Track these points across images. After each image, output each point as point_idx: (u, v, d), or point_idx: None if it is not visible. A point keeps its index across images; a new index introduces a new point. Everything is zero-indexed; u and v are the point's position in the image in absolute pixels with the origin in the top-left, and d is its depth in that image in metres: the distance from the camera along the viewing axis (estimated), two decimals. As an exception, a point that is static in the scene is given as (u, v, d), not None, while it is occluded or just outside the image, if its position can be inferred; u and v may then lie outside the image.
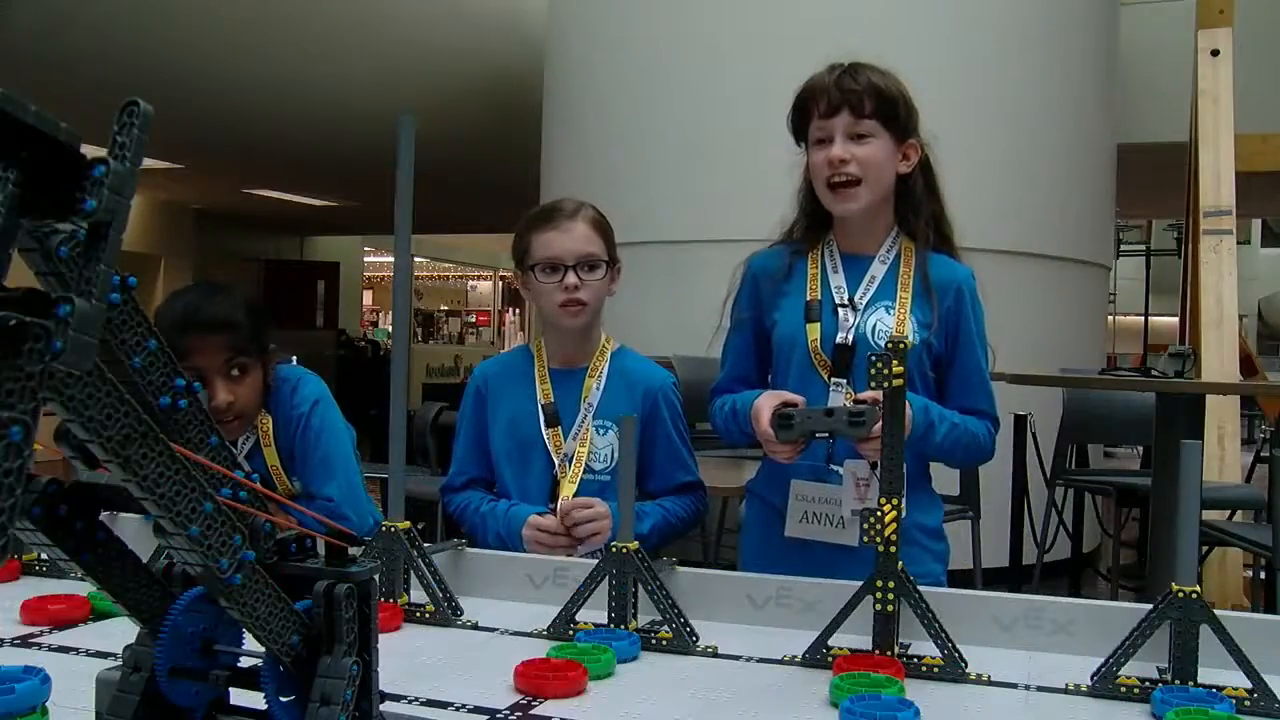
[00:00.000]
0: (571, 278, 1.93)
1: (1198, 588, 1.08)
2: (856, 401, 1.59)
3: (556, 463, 1.94)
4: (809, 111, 1.75)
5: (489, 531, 1.94)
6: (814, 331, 1.75)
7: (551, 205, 2.03)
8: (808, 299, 1.78)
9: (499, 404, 2.02)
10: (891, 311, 1.74)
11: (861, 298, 1.76)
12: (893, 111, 1.72)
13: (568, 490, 1.92)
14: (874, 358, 1.20)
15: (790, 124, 1.81)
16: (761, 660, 1.20)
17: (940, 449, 1.72)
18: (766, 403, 1.60)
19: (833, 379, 1.73)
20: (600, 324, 2.05)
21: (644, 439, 1.98)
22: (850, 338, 1.73)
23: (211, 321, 1.94)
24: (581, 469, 1.94)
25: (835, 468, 1.73)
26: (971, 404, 1.78)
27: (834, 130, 1.72)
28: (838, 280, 1.78)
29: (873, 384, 1.21)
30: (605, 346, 2.04)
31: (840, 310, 1.75)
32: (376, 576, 0.85)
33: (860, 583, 1.20)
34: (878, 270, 1.78)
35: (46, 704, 0.90)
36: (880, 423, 1.46)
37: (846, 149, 1.71)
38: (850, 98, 1.71)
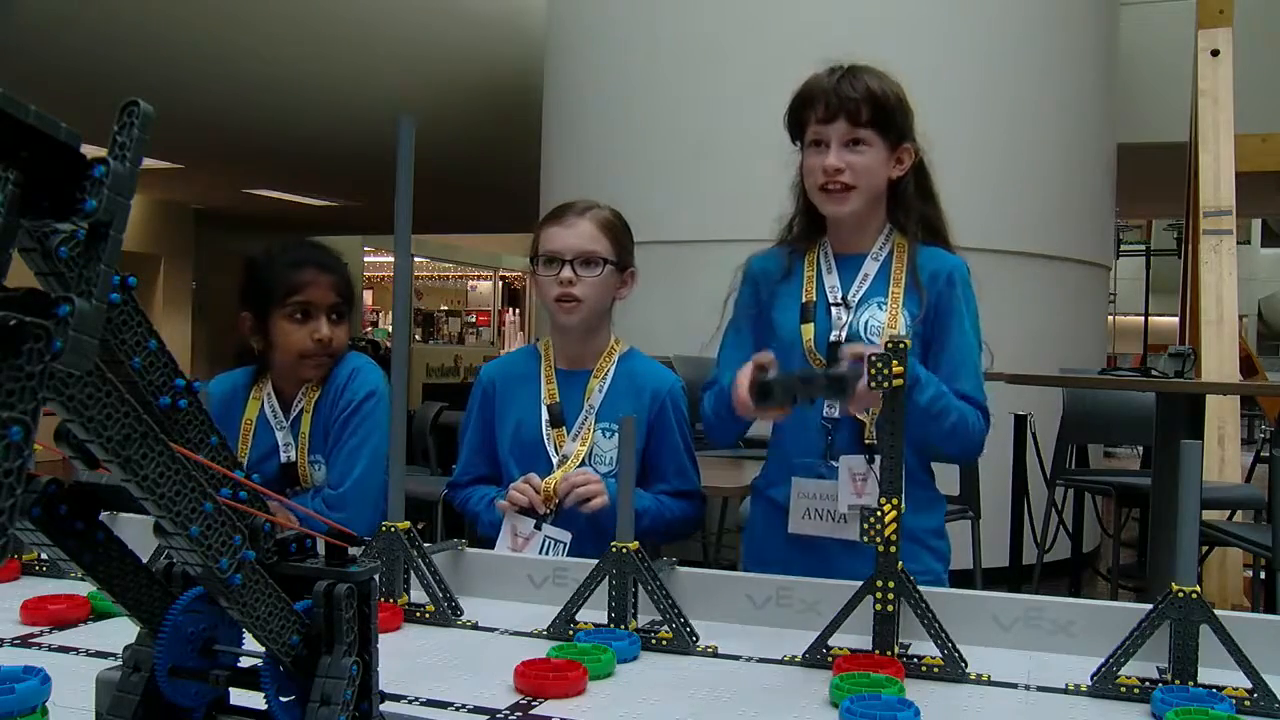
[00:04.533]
0: (567, 272, 1.94)
1: (1198, 588, 1.08)
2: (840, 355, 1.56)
3: (555, 463, 1.94)
4: (806, 114, 1.76)
5: (484, 503, 1.97)
6: (808, 332, 1.76)
7: (567, 203, 2.04)
8: (803, 301, 1.79)
9: (506, 405, 2.03)
10: (884, 307, 1.75)
11: (854, 295, 1.77)
12: (889, 119, 1.73)
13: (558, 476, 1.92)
14: (874, 357, 1.20)
15: (787, 123, 1.81)
16: (761, 660, 1.20)
17: (926, 412, 1.65)
18: (746, 370, 1.59)
19: None
20: (609, 326, 2.05)
21: (648, 442, 1.97)
22: (843, 336, 1.74)
23: (328, 263, 2.17)
24: (577, 466, 1.93)
25: (835, 464, 1.73)
26: (959, 388, 1.73)
27: (830, 136, 1.73)
28: (831, 280, 1.79)
29: (872, 384, 1.20)
30: (613, 348, 2.03)
31: (834, 309, 1.77)
32: (376, 576, 0.85)
33: (860, 582, 1.20)
34: (870, 268, 1.79)
35: (46, 704, 0.90)
36: (863, 380, 1.45)
37: (841, 157, 1.72)
38: (848, 105, 1.71)
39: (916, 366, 1.66)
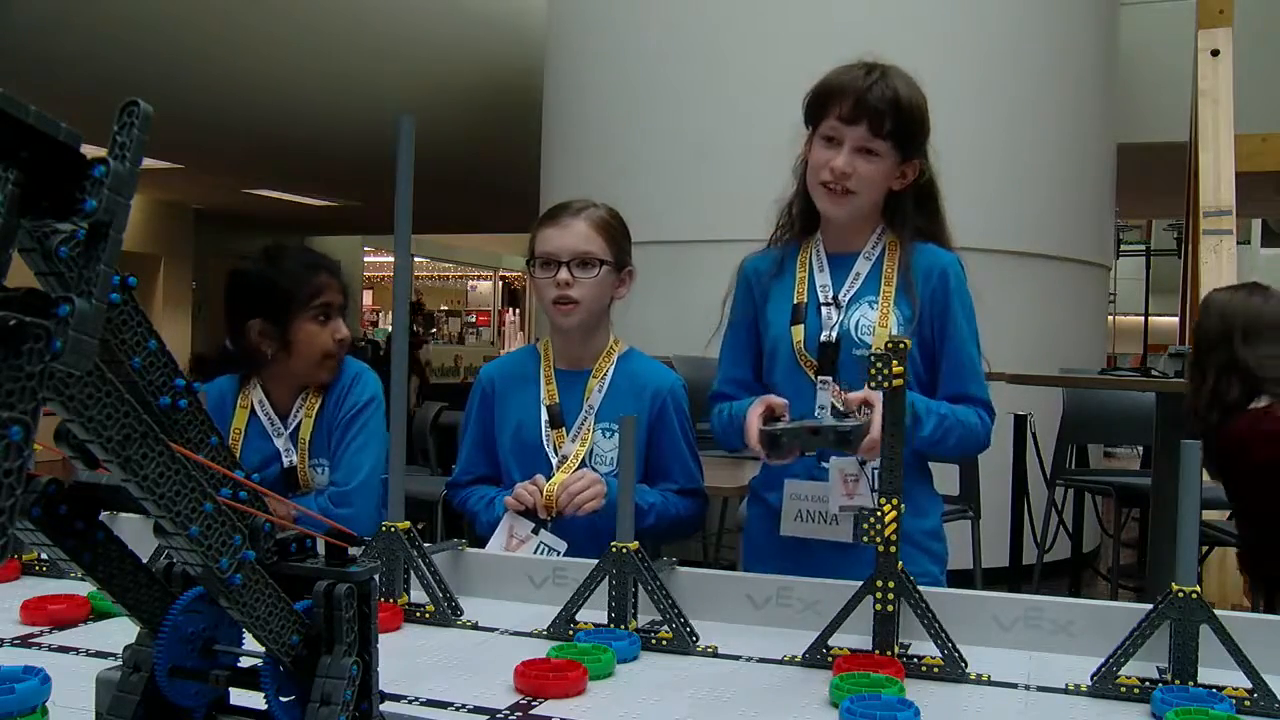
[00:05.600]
0: (563, 274, 1.93)
1: (1198, 588, 1.08)
2: (845, 404, 1.59)
3: (554, 463, 1.94)
4: (829, 107, 1.73)
5: (483, 502, 1.97)
6: (798, 333, 1.76)
7: (563, 203, 2.03)
8: (794, 302, 1.78)
9: (505, 406, 2.02)
10: (875, 306, 1.74)
11: (845, 294, 1.76)
12: (907, 133, 1.71)
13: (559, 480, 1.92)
14: (873, 357, 1.20)
15: (805, 106, 1.78)
16: (761, 660, 1.20)
17: (929, 441, 1.70)
18: (754, 416, 1.60)
19: (819, 377, 1.73)
20: (609, 326, 2.04)
21: (650, 441, 1.97)
22: (834, 335, 1.73)
23: (332, 266, 2.23)
24: (576, 467, 1.93)
25: (827, 465, 1.73)
26: (962, 390, 1.75)
27: (846, 137, 1.71)
28: (823, 279, 1.79)
29: (872, 384, 1.20)
30: (613, 349, 2.03)
31: (824, 309, 1.76)
32: (376, 576, 0.85)
33: (860, 582, 1.20)
34: (862, 267, 1.78)
35: (46, 704, 0.90)
36: (869, 435, 1.48)
37: (852, 163, 1.70)
38: (872, 113, 1.68)
39: (915, 401, 1.67)
